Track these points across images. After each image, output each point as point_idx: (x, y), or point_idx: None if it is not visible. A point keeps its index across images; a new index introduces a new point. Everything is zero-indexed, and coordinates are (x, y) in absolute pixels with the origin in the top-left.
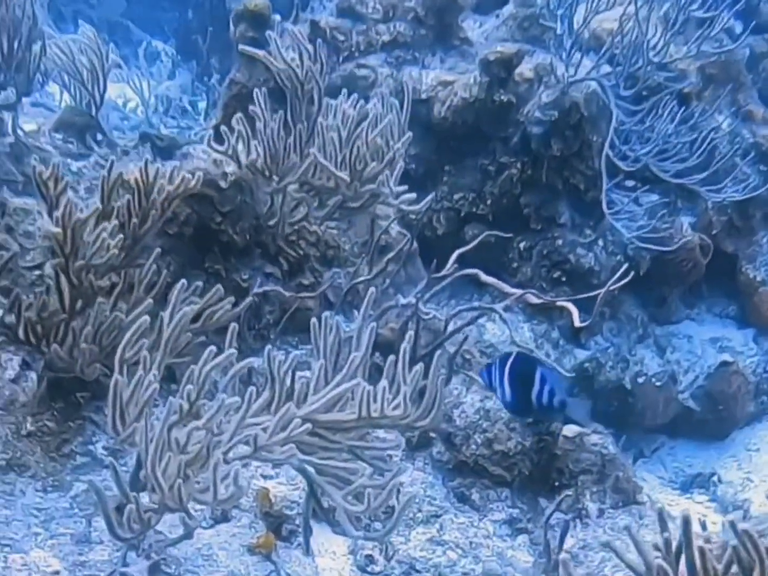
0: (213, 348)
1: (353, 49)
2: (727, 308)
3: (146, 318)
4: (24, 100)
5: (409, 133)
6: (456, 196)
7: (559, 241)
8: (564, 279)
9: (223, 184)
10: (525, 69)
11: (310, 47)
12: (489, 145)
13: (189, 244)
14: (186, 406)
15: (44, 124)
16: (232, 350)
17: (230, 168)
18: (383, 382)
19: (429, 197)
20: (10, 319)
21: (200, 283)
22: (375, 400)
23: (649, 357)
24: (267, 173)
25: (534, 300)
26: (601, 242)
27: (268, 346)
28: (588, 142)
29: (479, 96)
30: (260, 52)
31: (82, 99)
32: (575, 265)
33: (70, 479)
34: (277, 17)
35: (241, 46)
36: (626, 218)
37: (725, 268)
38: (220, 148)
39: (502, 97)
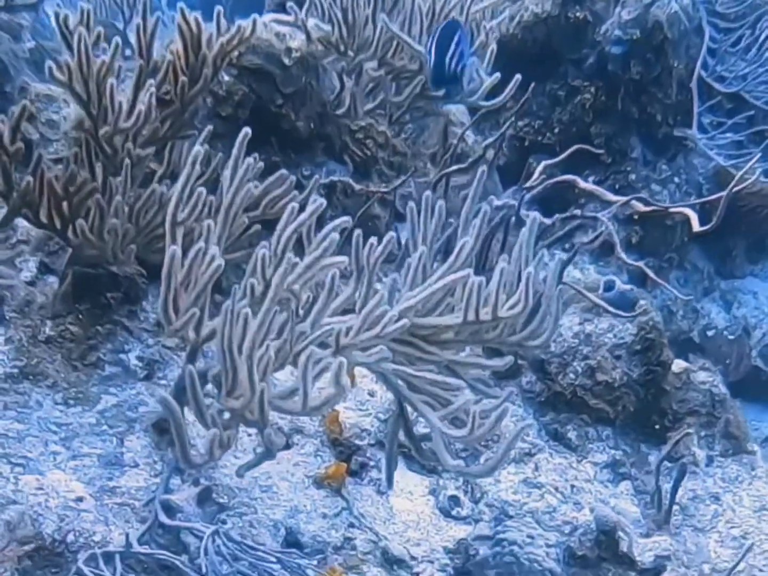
0: (295, 204)
1: None
2: None
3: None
4: None
5: (506, 13)
6: (520, 123)
7: (632, 176)
8: (636, 217)
9: (286, 60)
10: None
11: None
12: (560, 67)
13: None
14: (260, 287)
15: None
16: (322, 200)
17: (295, 43)
18: (495, 276)
19: (513, 82)
20: (32, 196)
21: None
22: (486, 301)
23: (716, 311)
24: (342, 48)
25: (641, 207)
26: (676, 179)
27: (357, 231)
28: (669, 68)
29: (552, 12)
30: None
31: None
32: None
33: (97, 392)
34: None
35: None
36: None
37: None
38: (288, 18)
39: (578, 14)
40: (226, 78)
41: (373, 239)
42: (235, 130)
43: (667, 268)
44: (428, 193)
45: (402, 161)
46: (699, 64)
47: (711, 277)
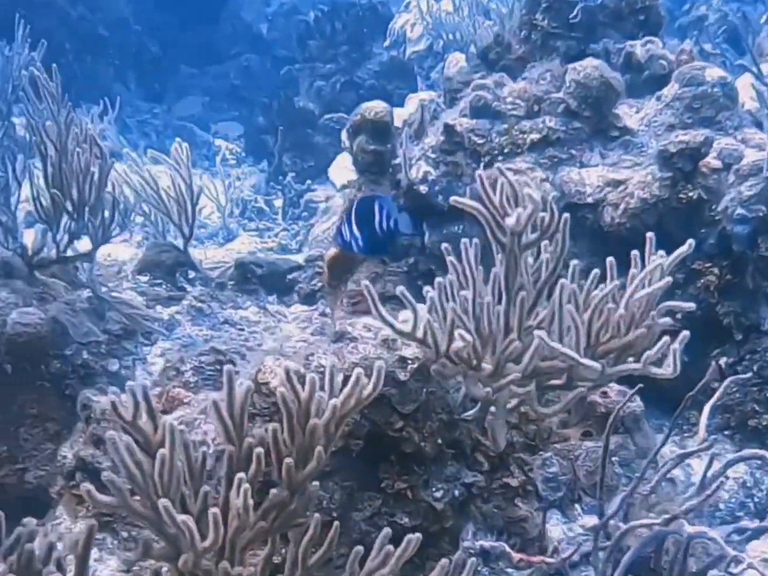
0: None
1: (495, 152)
2: None
3: None
4: None
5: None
6: None
7: None
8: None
9: (402, 375)
10: (710, 158)
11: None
12: (675, 250)
13: (358, 460)
14: None
15: (126, 265)
16: None
17: (410, 350)
18: None
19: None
20: None
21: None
22: None
23: None
24: (475, 362)
25: None
26: None
27: None
28: None
29: (662, 195)
30: (476, 204)
31: (164, 232)
32: None
33: None
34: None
35: (453, 199)
36: None
37: None
38: (404, 328)
39: (691, 194)
40: None
41: None
42: (347, 463)
43: None
44: None
45: (537, 429)
46: None
47: None
